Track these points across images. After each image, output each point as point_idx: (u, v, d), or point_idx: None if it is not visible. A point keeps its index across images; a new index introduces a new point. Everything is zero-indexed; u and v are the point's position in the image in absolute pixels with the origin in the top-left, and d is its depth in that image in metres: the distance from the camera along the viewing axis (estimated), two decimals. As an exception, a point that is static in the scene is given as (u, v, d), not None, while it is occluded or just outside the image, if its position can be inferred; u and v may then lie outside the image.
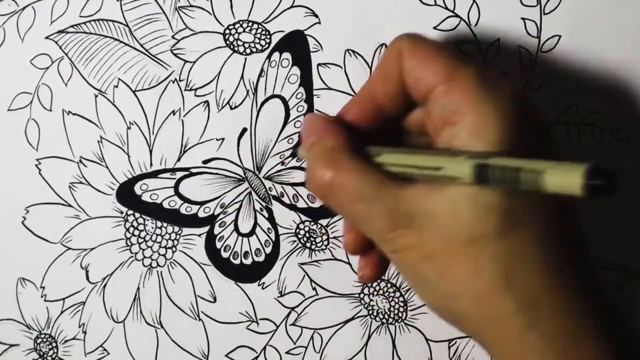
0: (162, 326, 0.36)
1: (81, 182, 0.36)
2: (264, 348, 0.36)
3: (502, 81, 0.26)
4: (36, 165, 0.36)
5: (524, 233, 0.24)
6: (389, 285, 0.35)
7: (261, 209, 0.36)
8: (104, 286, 0.36)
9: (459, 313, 0.26)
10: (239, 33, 0.35)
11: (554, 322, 0.24)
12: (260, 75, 0.35)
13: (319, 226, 0.35)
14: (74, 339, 0.36)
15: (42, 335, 0.36)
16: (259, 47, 0.35)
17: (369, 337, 0.36)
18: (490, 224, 0.24)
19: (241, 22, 0.35)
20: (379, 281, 0.35)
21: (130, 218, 0.36)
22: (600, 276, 0.27)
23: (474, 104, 0.25)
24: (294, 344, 0.36)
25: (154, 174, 0.35)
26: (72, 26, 0.35)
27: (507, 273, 0.24)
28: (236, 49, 0.35)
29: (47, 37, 0.35)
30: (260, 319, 0.36)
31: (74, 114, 0.35)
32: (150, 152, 0.35)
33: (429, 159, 0.25)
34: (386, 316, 0.35)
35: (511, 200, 0.24)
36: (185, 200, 0.35)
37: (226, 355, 0.36)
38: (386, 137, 0.30)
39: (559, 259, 0.25)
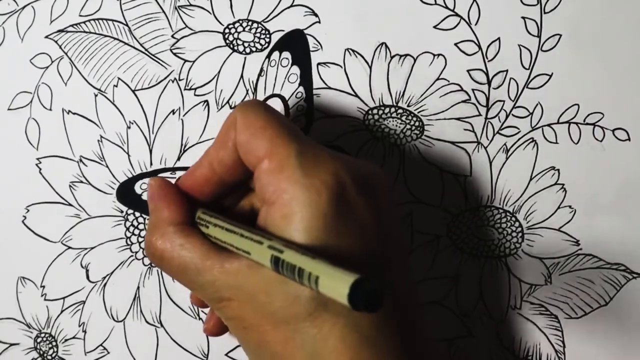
0: (162, 325, 0.36)
1: (81, 182, 0.36)
2: (264, 347, 0.36)
3: (322, 165, 0.26)
4: (36, 165, 0.36)
5: (332, 317, 0.25)
6: (388, 284, 0.35)
7: (261, 208, 0.35)
8: (104, 285, 0.36)
9: None
10: (239, 32, 0.35)
11: None
12: (259, 75, 0.35)
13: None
14: (74, 338, 0.36)
15: (42, 334, 0.36)
16: (259, 47, 0.35)
17: (369, 336, 0.36)
18: (300, 307, 0.25)
19: (241, 22, 0.35)
20: (378, 281, 0.35)
21: (131, 217, 0.36)
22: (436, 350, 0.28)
23: (287, 187, 0.25)
24: (294, 343, 0.36)
25: (154, 173, 0.35)
26: (71, 25, 0.35)
27: (315, 357, 0.25)
28: (236, 48, 0.35)
29: (46, 37, 0.35)
30: (260, 318, 0.36)
31: (74, 113, 0.35)
32: (150, 151, 0.35)
33: (241, 241, 0.26)
34: (386, 316, 0.35)
35: None
36: (185, 199, 0.35)
37: (226, 355, 0.36)
38: (236, 196, 0.31)
39: (367, 345, 0.25)
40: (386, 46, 0.34)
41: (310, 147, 0.27)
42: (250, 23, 0.35)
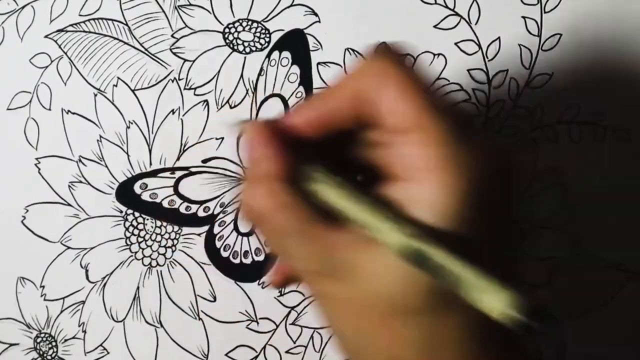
0: (161, 325, 0.36)
1: (81, 182, 0.36)
2: (264, 347, 0.36)
3: (478, 150, 0.22)
4: (36, 165, 0.36)
5: (448, 315, 0.22)
6: (388, 284, 0.35)
7: (261, 208, 0.35)
8: (104, 285, 0.36)
9: None
10: (239, 32, 0.35)
11: None
12: (259, 74, 0.35)
13: (319, 225, 0.35)
14: (73, 338, 0.36)
15: (42, 335, 0.36)
16: (259, 46, 0.35)
17: (369, 336, 0.36)
18: (417, 300, 0.22)
19: (241, 21, 0.35)
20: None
21: (130, 217, 0.36)
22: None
23: (436, 169, 0.22)
24: (294, 343, 0.36)
25: (154, 173, 0.35)
26: (71, 25, 0.35)
27: (423, 353, 0.23)
28: (236, 47, 0.35)
29: (46, 36, 0.35)
30: (260, 318, 0.36)
31: (74, 113, 0.35)
32: (150, 151, 0.35)
33: (366, 217, 0.22)
34: (386, 316, 0.35)
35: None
36: (185, 199, 0.35)
37: (226, 355, 0.36)
38: (336, 143, 0.26)
39: (485, 343, 0.23)
40: (386, 45, 0.34)
41: (465, 125, 0.23)
42: (250, 22, 0.35)
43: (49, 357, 0.36)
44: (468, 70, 0.34)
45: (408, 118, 0.22)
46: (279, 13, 0.34)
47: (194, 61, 0.35)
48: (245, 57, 0.35)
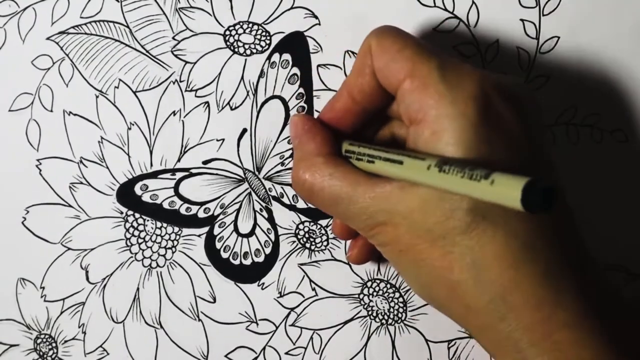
0: (161, 326, 0.36)
1: (81, 183, 0.36)
2: (264, 348, 0.36)
3: (466, 77, 0.26)
4: (37, 166, 0.36)
5: (491, 227, 0.25)
6: (388, 285, 0.35)
7: (261, 209, 0.36)
8: (104, 286, 0.36)
9: (439, 301, 0.28)
10: (239, 34, 0.35)
11: (526, 313, 0.25)
12: (260, 76, 0.35)
13: (319, 226, 0.35)
14: (73, 339, 0.36)
15: (42, 336, 0.36)
16: (259, 48, 0.35)
17: (369, 337, 0.36)
18: (458, 220, 0.25)
19: (241, 23, 0.35)
20: (378, 282, 0.35)
21: (130, 218, 0.36)
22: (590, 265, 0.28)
23: (433, 103, 0.25)
24: (294, 344, 0.36)
25: (154, 175, 0.36)
26: (73, 27, 0.35)
27: (475, 266, 0.25)
28: (236, 50, 0.35)
29: (48, 38, 0.35)
30: (260, 320, 0.36)
31: (75, 115, 0.36)
32: (151, 152, 0.35)
33: (396, 167, 0.26)
34: (386, 317, 0.35)
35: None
36: (185, 200, 0.36)
37: (226, 356, 0.36)
38: (374, 128, 0.32)
39: (528, 251, 0.25)
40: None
41: (451, 61, 0.26)
42: (250, 25, 0.35)
43: (49, 358, 0.36)
44: (467, 73, 0.35)
45: (401, 73, 0.26)
46: (279, 15, 0.35)
47: (195, 63, 0.35)
48: (245, 59, 0.35)
